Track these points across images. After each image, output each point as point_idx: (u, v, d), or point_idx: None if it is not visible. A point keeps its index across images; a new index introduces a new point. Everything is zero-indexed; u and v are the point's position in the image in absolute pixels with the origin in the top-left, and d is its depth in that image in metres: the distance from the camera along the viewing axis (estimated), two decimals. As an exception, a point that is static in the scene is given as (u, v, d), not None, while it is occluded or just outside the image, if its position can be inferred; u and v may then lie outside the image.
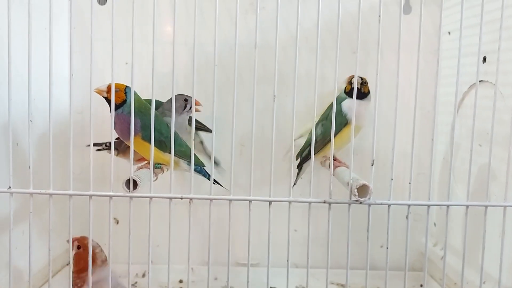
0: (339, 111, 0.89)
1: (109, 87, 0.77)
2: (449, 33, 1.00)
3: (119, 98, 0.78)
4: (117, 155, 0.90)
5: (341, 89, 0.95)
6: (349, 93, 0.91)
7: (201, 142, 1.04)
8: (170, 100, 0.91)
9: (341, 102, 0.90)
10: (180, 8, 1.09)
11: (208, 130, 1.04)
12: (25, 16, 0.67)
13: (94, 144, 0.97)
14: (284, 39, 1.02)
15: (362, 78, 0.90)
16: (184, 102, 0.92)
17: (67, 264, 1.11)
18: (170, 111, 0.88)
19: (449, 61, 0.92)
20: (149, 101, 0.88)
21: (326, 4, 1.04)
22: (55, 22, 0.76)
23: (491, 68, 0.83)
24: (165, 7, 1.10)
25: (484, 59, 0.85)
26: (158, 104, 0.96)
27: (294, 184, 0.91)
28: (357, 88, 0.89)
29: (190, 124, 0.94)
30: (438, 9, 1.06)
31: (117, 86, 0.78)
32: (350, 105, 0.89)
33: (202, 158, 1.01)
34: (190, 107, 0.91)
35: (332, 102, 0.91)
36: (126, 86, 0.79)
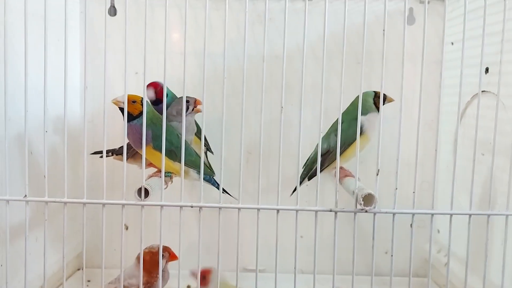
0: (356, 122, 0.88)
1: (127, 99, 0.80)
2: (452, 43, 1.02)
3: (136, 110, 0.80)
4: (127, 159, 0.92)
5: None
6: (378, 105, 0.90)
7: (206, 152, 1.06)
8: (173, 104, 0.93)
9: (363, 114, 0.90)
10: (188, 19, 1.11)
11: (210, 151, 1.05)
12: (38, 29, 0.69)
13: (98, 152, 0.98)
14: (291, 50, 1.04)
15: (384, 95, 0.90)
16: (186, 103, 0.93)
17: (78, 269, 1.13)
18: (174, 114, 0.90)
19: (452, 72, 0.93)
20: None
21: (332, 15, 1.05)
22: (66, 33, 0.78)
23: (493, 79, 0.84)
24: (174, 18, 1.12)
25: (487, 70, 0.86)
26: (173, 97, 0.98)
27: (301, 184, 0.91)
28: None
29: (198, 133, 0.96)
30: (441, 20, 1.07)
31: (135, 98, 0.80)
32: (369, 118, 0.89)
33: (210, 157, 1.02)
34: (193, 109, 0.92)
35: (344, 113, 0.91)
36: (143, 98, 0.81)
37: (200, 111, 0.91)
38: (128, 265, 0.88)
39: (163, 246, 0.80)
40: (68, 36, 0.87)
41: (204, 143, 1.04)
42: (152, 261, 0.81)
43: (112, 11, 1.10)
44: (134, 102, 0.80)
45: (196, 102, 0.91)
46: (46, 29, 0.69)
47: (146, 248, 0.83)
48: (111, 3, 1.09)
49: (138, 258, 0.82)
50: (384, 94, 0.89)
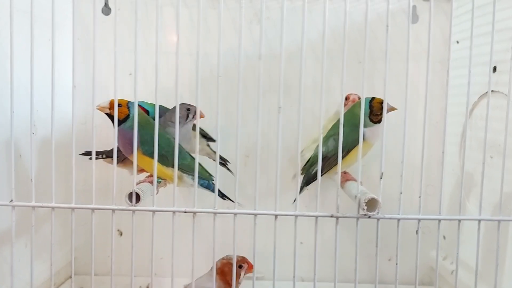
0: (356, 127, 0.86)
1: (111, 103, 0.77)
2: (457, 42, 0.99)
3: (122, 114, 0.77)
4: (117, 163, 0.90)
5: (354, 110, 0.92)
6: (375, 120, 0.85)
7: (208, 145, 1.02)
8: (171, 110, 0.90)
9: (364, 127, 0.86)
10: (184, 19, 1.09)
11: (212, 140, 1.02)
12: (28, 27, 0.67)
13: (88, 153, 0.96)
14: (290, 49, 1.02)
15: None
16: (186, 111, 0.90)
17: (70, 277, 1.10)
18: (172, 121, 0.87)
19: (458, 71, 0.90)
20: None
21: (332, 13, 1.04)
22: (59, 33, 0.75)
23: (501, 78, 0.81)
24: (170, 18, 1.10)
25: (495, 68, 0.83)
26: (163, 110, 0.95)
27: (301, 192, 0.89)
28: (377, 113, 0.85)
29: (194, 131, 0.93)
30: (445, 18, 1.05)
31: (120, 101, 0.77)
32: (371, 128, 0.85)
33: (208, 161, 0.98)
34: (193, 116, 0.89)
35: (341, 114, 0.88)
36: (128, 101, 0.78)
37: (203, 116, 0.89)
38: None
39: (242, 257, 0.83)
40: (62, 36, 0.85)
41: (204, 134, 1.01)
42: (232, 272, 0.77)
43: (106, 10, 1.07)
44: (119, 106, 0.77)
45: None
46: (32, 28, 0.66)
47: (224, 259, 0.82)
48: (104, 2, 1.06)
49: (217, 268, 0.80)
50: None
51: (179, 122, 0.87)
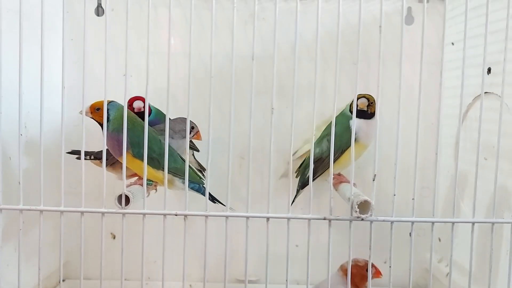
0: (348, 128, 0.85)
1: (91, 107, 0.77)
2: (452, 43, 0.98)
3: (102, 117, 0.75)
4: (106, 167, 0.89)
5: (342, 107, 0.92)
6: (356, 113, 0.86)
7: (193, 154, 1.02)
8: (175, 121, 0.89)
9: (349, 120, 0.86)
10: (180, 20, 1.09)
11: (197, 150, 1.01)
12: (20, 29, 0.66)
13: (75, 152, 0.95)
14: (285, 50, 1.01)
15: (369, 99, 0.86)
16: (190, 129, 0.90)
17: (64, 280, 1.09)
18: (174, 131, 0.87)
19: (452, 73, 0.90)
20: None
21: (327, 15, 1.03)
22: (53, 33, 0.74)
23: (496, 79, 0.81)
24: (165, 18, 1.08)
25: (489, 70, 0.83)
26: (161, 115, 0.95)
27: (293, 202, 0.88)
28: (364, 109, 0.86)
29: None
30: (440, 19, 1.05)
31: (99, 104, 0.76)
32: (359, 124, 0.84)
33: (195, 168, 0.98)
34: (193, 136, 0.89)
35: (335, 117, 0.88)
36: (109, 102, 0.77)
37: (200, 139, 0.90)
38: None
39: (366, 261, 0.79)
40: (56, 36, 0.85)
41: (191, 146, 1.00)
42: (359, 275, 0.79)
43: (99, 11, 1.07)
44: (98, 109, 0.76)
45: (197, 134, 0.89)
46: (21, 27, 0.66)
47: (352, 262, 0.79)
48: (97, 3, 1.05)
49: (343, 269, 0.81)
50: (367, 98, 0.85)
51: (179, 136, 0.87)
